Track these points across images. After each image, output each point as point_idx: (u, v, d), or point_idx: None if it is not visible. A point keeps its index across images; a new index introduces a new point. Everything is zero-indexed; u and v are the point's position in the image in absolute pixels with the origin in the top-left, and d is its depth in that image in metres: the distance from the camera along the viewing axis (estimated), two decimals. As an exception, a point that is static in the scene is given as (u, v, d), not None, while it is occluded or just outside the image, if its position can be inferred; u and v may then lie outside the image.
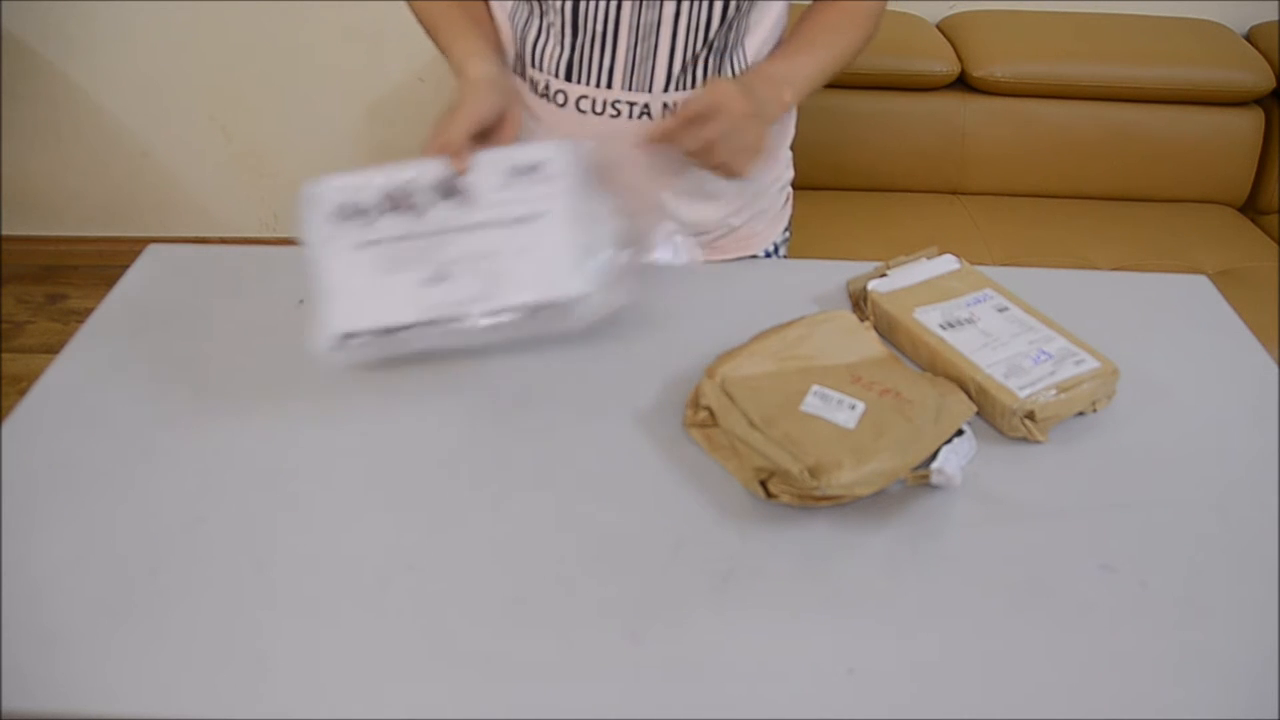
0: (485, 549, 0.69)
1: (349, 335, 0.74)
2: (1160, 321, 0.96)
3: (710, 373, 0.80)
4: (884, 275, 0.94)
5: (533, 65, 0.91)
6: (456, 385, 0.84)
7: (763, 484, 0.72)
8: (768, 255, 1.10)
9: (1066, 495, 0.75)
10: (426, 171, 0.73)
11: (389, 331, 0.73)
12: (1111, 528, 0.72)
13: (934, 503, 0.73)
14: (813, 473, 0.69)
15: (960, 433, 0.75)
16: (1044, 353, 0.83)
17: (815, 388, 0.76)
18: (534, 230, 0.73)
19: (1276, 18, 2.09)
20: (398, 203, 0.72)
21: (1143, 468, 0.78)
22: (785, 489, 0.71)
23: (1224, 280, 1.35)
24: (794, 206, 1.15)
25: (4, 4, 2.06)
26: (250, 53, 2.14)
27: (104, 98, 2.20)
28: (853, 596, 0.66)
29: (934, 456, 0.72)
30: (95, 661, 0.60)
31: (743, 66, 0.92)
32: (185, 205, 2.36)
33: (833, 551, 0.69)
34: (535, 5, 0.87)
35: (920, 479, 0.72)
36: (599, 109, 0.90)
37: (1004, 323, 0.87)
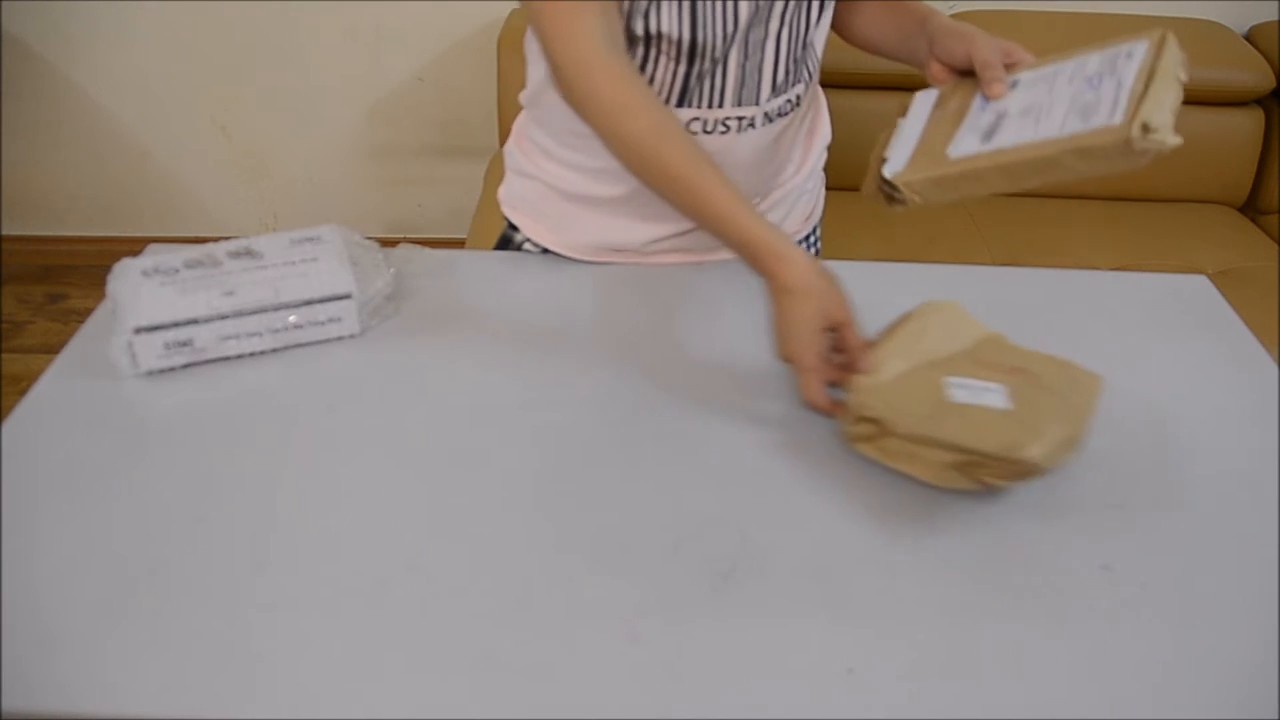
0: (485, 549, 0.69)
1: (143, 329, 0.81)
2: (1160, 321, 0.96)
3: (853, 386, 0.77)
4: (885, 159, 0.84)
5: None
6: (456, 386, 0.84)
7: (966, 474, 0.71)
8: None
9: (1066, 495, 0.75)
10: (225, 245, 0.90)
11: (179, 325, 0.82)
12: (1111, 528, 0.72)
13: (934, 502, 0.73)
14: (1016, 448, 0.68)
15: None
16: (1091, 79, 0.70)
17: (951, 379, 0.76)
18: (311, 265, 0.88)
19: (1276, 18, 2.09)
20: (199, 262, 0.88)
21: (1143, 468, 0.78)
22: (992, 473, 0.70)
23: (1224, 280, 1.35)
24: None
25: (4, 4, 2.06)
26: (250, 53, 2.13)
27: (104, 98, 2.20)
28: (852, 596, 0.66)
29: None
30: (95, 661, 0.60)
31: (816, 59, 0.94)
32: (185, 205, 2.36)
33: (832, 551, 0.69)
34: (650, 42, 0.85)
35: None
36: (709, 128, 0.91)
37: (1027, 90, 0.74)
